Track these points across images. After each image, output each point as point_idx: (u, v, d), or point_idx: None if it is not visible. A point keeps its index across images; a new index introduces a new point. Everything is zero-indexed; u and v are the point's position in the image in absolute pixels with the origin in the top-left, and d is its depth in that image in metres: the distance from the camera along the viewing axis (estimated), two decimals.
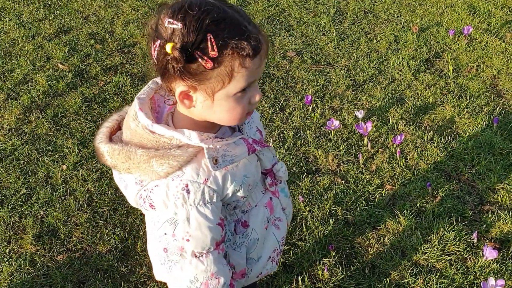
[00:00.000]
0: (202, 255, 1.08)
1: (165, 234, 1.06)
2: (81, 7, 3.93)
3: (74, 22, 3.70)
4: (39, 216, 2.20)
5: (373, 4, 3.91)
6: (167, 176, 1.01)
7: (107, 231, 2.12)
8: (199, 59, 0.91)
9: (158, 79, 1.09)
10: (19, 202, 2.26)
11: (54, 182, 2.36)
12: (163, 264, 1.12)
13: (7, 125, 2.71)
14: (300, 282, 1.89)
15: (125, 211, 2.21)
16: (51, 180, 2.38)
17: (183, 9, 0.91)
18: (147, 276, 1.95)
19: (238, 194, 1.10)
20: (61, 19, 3.74)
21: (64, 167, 2.43)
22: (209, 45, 0.89)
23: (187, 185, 1.01)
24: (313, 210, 2.18)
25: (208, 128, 1.05)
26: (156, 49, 0.93)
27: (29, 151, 2.53)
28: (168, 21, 0.91)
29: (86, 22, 3.71)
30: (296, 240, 2.06)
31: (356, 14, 3.76)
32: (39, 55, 3.31)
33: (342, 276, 1.92)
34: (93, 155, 2.49)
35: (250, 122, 1.20)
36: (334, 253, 2.00)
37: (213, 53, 0.90)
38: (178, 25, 0.90)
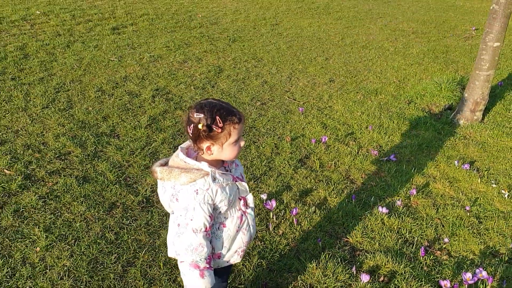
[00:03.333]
0: (197, 231, 1.88)
1: (181, 215, 1.89)
2: (8, 123, 4.47)
3: (6, 136, 4.22)
4: (28, 287, 2.65)
5: (254, 122, 5.14)
6: (187, 183, 1.85)
7: None
8: (214, 129, 1.82)
9: (187, 143, 1.98)
10: (6, 278, 2.69)
11: (31, 261, 2.84)
12: (175, 236, 1.92)
13: None
14: None
15: (101, 276, 2.78)
16: (28, 260, 2.85)
17: (202, 107, 1.83)
18: None
19: (222, 204, 1.94)
20: None
21: (38, 249, 2.93)
22: (218, 122, 1.82)
23: (196, 190, 1.85)
24: (245, 263, 3.00)
25: (214, 165, 1.94)
26: (192, 128, 1.83)
27: (2, 239, 2.97)
28: (196, 114, 1.83)
29: (17, 135, 4.25)
30: (237, 284, 2.84)
31: (244, 129, 4.91)
32: None
33: None
34: (60, 239, 3.03)
35: (237, 169, 2.09)
36: None
37: (220, 125, 1.82)
38: (201, 115, 1.82)
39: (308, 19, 10.97)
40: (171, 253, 2.11)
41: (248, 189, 2.11)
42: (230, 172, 2.05)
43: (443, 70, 7.63)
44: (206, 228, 1.90)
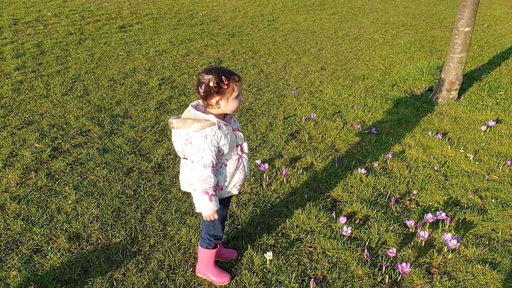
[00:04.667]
0: (206, 166, 2.44)
1: (194, 154, 2.43)
2: (33, 107, 5.08)
3: (33, 117, 4.83)
4: (64, 228, 3.25)
5: (251, 104, 5.73)
6: (199, 130, 2.40)
7: (113, 231, 3.26)
8: (222, 85, 2.39)
9: (196, 102, 2.54)
10: (46, 222, 3.29)
11: (65, 211, 3.44)
12: (188, 171, 2.48)
13: (14, 181, 3.72)
14: (242, 243, 3.24)
15: (124, 221, 3.37)
16: (62, 210, 3.45)
17: (210, 70, 2.38)
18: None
19: (225, 147, 2.50)
20: (20, 116, 4.84)
21: (69, 201, 3.53)
22: (224, 80, 2.37)
23: (206, 135, 2.40)
24: (242, 211, 3.59)
25: (220, 117, 2.50)
26: (203, 87, 2.40)
27: (39, 195, 3.58)
28: (206, 76, 2.39)
29: (42, 117, 4.87)
30: (235, 225, 3.43)
31: (241, 110, 5.51)
32: (15, 139, 4.37)
33: (262, 240, 3.31)
34: (87, 195, 3.63)
35: (235, 123, 2.66)
36: (259, 228, 3.41)
37: (226, 83, 2.37)
38: (211, 76, 2.38)
39: (303, 14, 11.56)
40: (183, 187, 2.68)
41: (243, 138, 2.69)
42: (230, 124, 2.63)
43: (428, 58, 8.20)
44: (213, 164, 2.47)
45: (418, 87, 6.67)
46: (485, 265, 3.12)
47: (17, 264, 2.89)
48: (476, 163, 4.55)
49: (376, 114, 5.64)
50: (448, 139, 5.03)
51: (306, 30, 9.96)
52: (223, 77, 2.34)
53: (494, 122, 5.25)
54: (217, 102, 2.41)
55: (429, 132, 5.10)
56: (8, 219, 3.29)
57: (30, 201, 3.51)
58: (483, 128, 5.18)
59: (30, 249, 3.04)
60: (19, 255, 2.97)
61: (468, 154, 4.66)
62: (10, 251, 3.00)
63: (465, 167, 4.49)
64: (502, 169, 4.42)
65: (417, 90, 6.58)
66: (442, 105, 5.98)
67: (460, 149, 4.80)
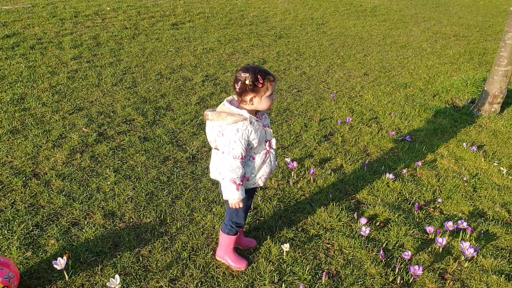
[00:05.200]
0: (236, 158, 2.60)
1: (225, 146, 2.60)
2: (85, 95, 5.45)
3: (83, 104, 5.20)
4: (101, 206, 3.54)
5: (289, 105, 5.88)
6: (231, 124, 2.58)
7: (145, 212, 3.51)
8: (257, 84, 2.55)
9: (231, 97, 2.72)
10: (85, 199, 3.59)
11: (103, 190, 3.73)
12: (219, 161, 2.65)
13: (60, 160, 4.06)
14: (262, 234, 3.41)
15: (156, 203, 3.62)
16: (101, 189, 3.74)
17: (248, 69, 2.54)
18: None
19: (254, 141, 2.67)
20: (72, 102, 5.22)
21: (109, 182, 3.82)
22: (259, 79, 2.55)
23: (237, 129, 2.57)
24: (266, 204, 3.76)
25: (252, 113, 2.68)
26: (239, 84, 2.57)
27: (82, 174, 3.89)
28: (243, 74, 2.56)
29: (92, 104, 5.22)
30: (258, 217, 3.60)
31: (278, 110, 5.68)
32: (65, 122, 4.73)
33: (282, 233, 3.47)
34: (125, 178, 3.91)
35: (266, 119, 2.82)
36: (280, 221, 3.57)
37: (261, 82, 2.54)
38: (247, 74, 2.55)
39: (353, 20, 11.58)
40: (213, 175, 2.86)
41: (272, 134, 2.85)
42: (261, 120, 2.80)
43: (475, 70, 8.07)
44: (242, 156, 2.64)
45: (461, 98, 6.61)
46: (501, 276, 3.15)
47: (56, 234, 3.19)
48: (510, 177, 4.51)
49: (413, 122, 5.65)
50: (483, 152, 4.99)
51: (354, 35, 10.00)
52: (259, 76, 2.50)
53: None
54: (251, 99, 2.57)
55: (464, 144, 5.07)
56: (52, 193, 3.62)
57: (73, 179, 3.83)
58: None
59: (69, 222, 3.34)
60: (59, 226, 3.27)
61: (501, 168, 4.63)
62: (51, 222, 3.31)
63: (496, 180, 4.46)
64: None
65: (459, 101, 6.52)
66: (483, 117, 5.91)
67: (494, 162, 4.77)
